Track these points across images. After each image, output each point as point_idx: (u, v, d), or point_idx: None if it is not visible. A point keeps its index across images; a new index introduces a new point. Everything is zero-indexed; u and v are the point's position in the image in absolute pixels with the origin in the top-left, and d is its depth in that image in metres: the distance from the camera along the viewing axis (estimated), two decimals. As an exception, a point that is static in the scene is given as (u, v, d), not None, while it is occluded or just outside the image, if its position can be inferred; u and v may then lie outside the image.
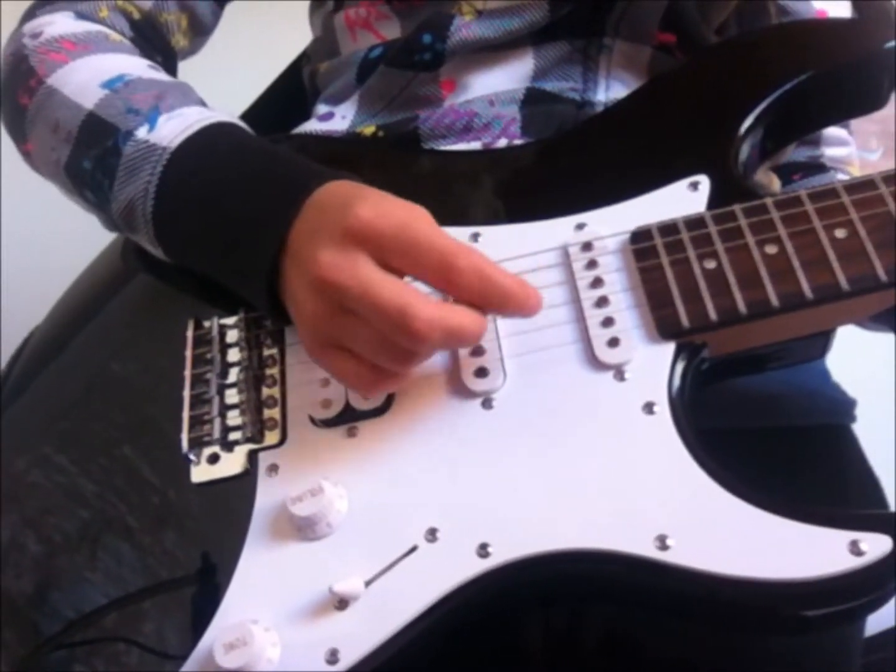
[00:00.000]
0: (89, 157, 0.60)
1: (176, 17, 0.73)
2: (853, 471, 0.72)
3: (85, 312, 0.66)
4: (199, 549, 0.51)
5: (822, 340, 0.55)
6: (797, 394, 0.71)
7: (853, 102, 0.61)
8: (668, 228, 0.53)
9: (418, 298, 0.45)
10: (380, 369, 0.49)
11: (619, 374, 0.50)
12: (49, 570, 0.52)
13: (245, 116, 0.86)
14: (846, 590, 0.43)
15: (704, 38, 0.68)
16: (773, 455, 0.66)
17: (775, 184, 0.72)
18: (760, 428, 0.68)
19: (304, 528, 0.49)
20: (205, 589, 0.50)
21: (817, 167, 0.75)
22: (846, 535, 0.43)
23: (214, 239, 0.55)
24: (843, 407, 0.75)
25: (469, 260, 0.46)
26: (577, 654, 0.59)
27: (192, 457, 0.53)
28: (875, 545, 0.43)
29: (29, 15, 0.70)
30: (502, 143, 0.65)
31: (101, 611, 0.50)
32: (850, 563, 0.43)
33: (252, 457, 0.53)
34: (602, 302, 0.52)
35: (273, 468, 0.52)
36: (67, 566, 0.52)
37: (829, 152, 0.76)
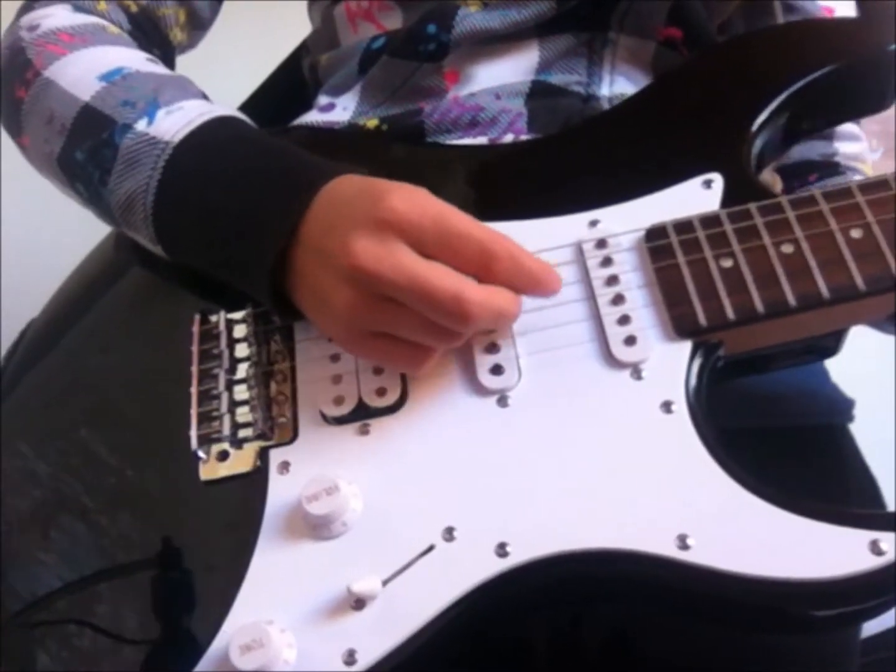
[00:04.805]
0: (82, 149, 0.58)
1: (174, 11, 0.72)
2: (851, 470, 0.72)
3: (80, 306, 0.65)
4: (210, 547, 0.50)
5: (835, 339, 0.55)
6: (796, 394, 0.72)
7: (859, 103, 0.62)
8: (684, 226, 0.53)
9: (467, 284, 0.47)
10: (425, 347, 0.49)
11: (636, 372, 0.50)
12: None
13: (243, 108, 0.85)
14: (868, 588, 0.43)
15: (710, 34, 0.68)
16: (772, 454, 0.66)
17: (778, 184, 0.72)
18: (759, 427, 0.67)
19: (318, 527, 0.48)
20: (216, 588, 0.49)
21: (833, 166, 0.75)
22: (866, 535, 0.44)
23: (218, 233, 0.54)
24: (841, 407, 0.75)
25: (503, 246, 0.48)
26: (592, 655, 0.58)
27: (201, 454, 0.52)
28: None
29: (26, 7, 0.68)
30: (508, 138, 0.65)
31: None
32: (871, 562, 0.43)
33: (262, 454, 0.52)
34: (618, 300, 0.52)
35: (284, 466, 0.51)
36: (74, 557, 0.51)
37: (843, 148, 0.76)
